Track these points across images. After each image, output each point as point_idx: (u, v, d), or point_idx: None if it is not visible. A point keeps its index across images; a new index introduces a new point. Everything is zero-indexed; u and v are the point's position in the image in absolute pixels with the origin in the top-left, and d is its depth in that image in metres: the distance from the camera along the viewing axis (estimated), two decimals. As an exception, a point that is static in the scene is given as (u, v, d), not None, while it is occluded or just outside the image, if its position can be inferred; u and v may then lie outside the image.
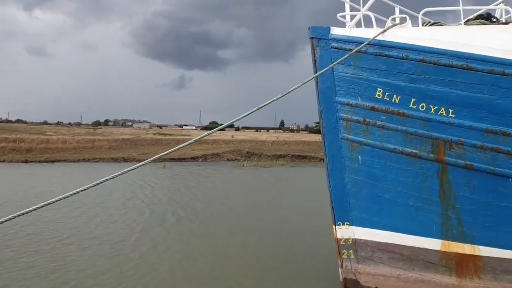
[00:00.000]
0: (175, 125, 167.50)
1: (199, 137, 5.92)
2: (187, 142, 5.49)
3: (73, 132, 63.02)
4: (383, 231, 8.33)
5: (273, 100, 6.29)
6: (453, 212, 7.84)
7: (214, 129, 5.91)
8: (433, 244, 8.02)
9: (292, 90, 6.64)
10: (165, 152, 4.99)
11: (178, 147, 5.03)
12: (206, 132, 5.79)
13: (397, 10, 8.24)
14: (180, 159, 39.69)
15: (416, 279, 8.14)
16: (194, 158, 40.64)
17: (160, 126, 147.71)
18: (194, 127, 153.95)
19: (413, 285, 8.16)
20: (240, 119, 6.21)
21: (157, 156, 5.00)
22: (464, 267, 7.91)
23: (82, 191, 4.42)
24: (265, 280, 9.17)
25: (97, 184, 4.51)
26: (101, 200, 18.89)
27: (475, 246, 7.81)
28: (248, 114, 6.07)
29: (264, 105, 6.19)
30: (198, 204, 18.60)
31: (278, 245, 11.80)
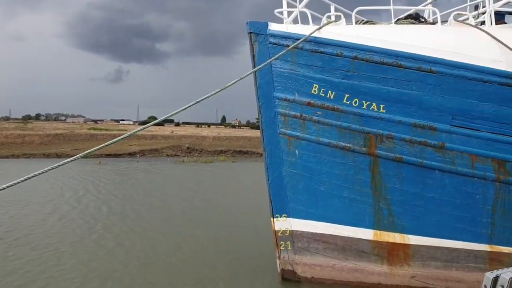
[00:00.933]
0: (112, 120, 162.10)
1: (133, 132, 5.78)
2: (119, 138, 5.34)
3: (1, 126, 59.23)
4: (319, 222, 8.56)
5: (211, 95, 6.27)
6: (384, 203, 8.21)
7: (149, 124, 5.79)
8: (365, 234, 8.37)
9: (229, 85, 6.64)
10: (95, 148, 4.84)
11: (108, 142, 4.88)
12: (140, 127, 5.67)
13: (332, 8, 8.47)
14: (116, 155, 38.52)
15: (350, 268, 8.45)
16: (131, 154, 39.58)
17: (95, 121, 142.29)
18: (131, 122, 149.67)
19: (347, 274, 8.46)
20: (176, 113, 6.12)
21: (88, 151, 4.83)
22: (395, 255, 8.31)
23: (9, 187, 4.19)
24: (208, 273, 9.14)
25: (26, 179, 4.29)
26: (52, 197, 17.98)
27: (405, 235, 8.23)
28: (185, 109, 6.00)
29: (202, 99, 6.14)
30: (154, 200, 18.10)
31: (220, 239, 11.80)
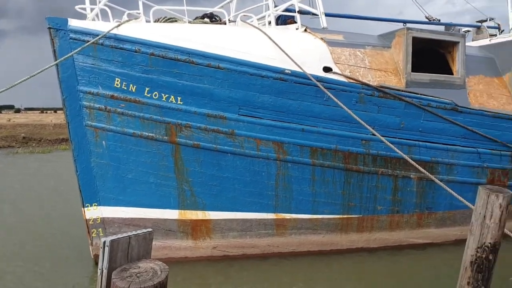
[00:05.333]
0: None
1: None
2: None
3: None
4: (129, 208, 9.18)
5: (19, 82, 6.39)
6: (187, 185, 9.14)
7: None
8: (171, 214, 9.24)
9: (23, 81, 6.82)
10: None
11: None
12: None
13: (140, 3, 8.89)
14: None
15: (159, 246, 9.24)
16: (-45, 148, 35.33)
17: None
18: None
19: (156, 252, 9.08)
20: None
21: None
22: (198, 230, 9.35)
23: None
24: (22, 264, 9.16)
25: None
26: None
27: (206, 211, 9.30)
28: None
29: (7, 89, 6.24)
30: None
31: (36, 231, 11.66)
